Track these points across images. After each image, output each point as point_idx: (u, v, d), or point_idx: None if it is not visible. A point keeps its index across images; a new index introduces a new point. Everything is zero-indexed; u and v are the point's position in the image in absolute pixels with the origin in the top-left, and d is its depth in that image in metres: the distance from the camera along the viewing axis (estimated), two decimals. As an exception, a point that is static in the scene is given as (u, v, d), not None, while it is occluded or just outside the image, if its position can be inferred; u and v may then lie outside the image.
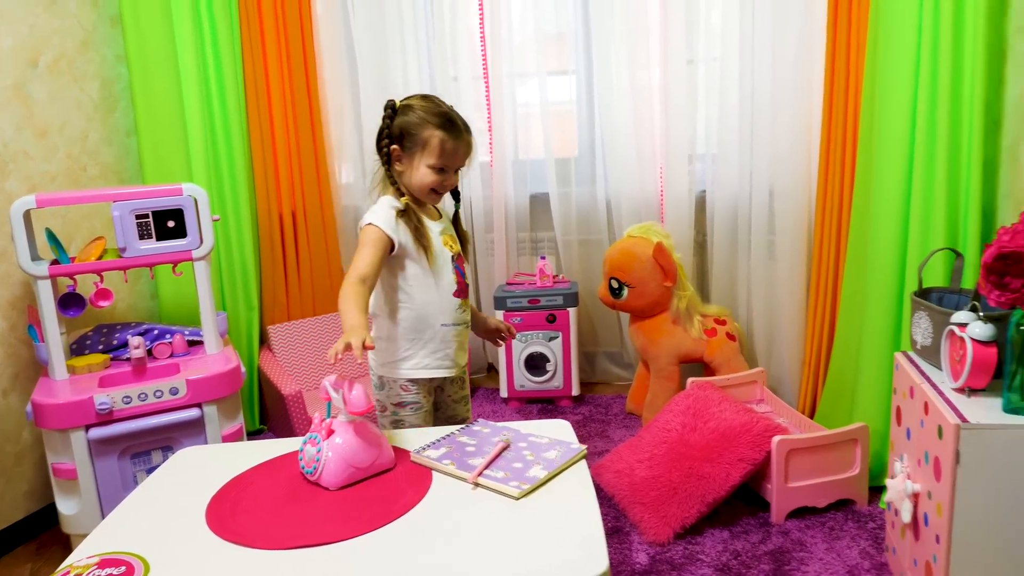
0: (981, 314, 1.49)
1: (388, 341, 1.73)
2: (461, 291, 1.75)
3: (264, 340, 3.04)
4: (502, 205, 3.24)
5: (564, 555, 1.08)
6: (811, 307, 2.60)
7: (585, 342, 3.30)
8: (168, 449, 2.12)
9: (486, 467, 1.34)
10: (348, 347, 1.37)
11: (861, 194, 2.27)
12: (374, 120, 3.12)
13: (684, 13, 2.87)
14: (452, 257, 1.74)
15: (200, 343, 2.38)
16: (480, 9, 3.10)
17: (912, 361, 1.74)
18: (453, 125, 1.66)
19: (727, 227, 2.92)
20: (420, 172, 1.66)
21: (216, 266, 2.79)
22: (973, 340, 1.46)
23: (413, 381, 1.73)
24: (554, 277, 3.10)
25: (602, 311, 3.21)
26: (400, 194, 1.67)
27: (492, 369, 3.43)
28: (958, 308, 1.60)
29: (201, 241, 2.24)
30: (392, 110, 1.68)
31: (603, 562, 1.05)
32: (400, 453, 1.45)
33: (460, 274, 1.76)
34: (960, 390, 1.53)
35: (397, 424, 1.75)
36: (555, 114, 3.21)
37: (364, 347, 1.38)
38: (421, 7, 3.15)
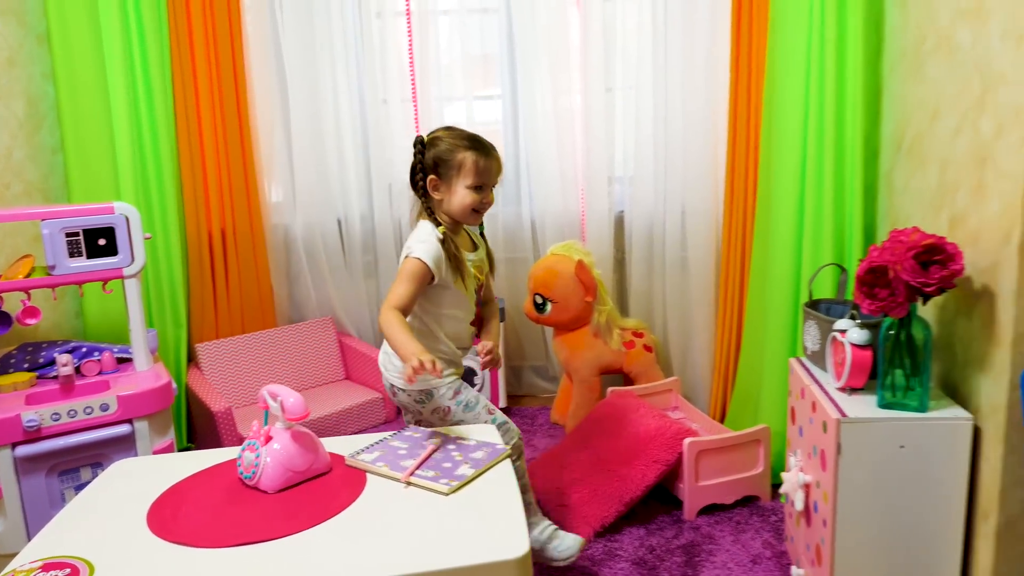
0: (858, 321, 1.68)
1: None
2: (476, 320, 1.91)
3: (192, 358, 3.04)
4: (431, 224, 3.34)
5: (490, 541, 1.19)
6: (720, 320, 2.80)
7: (512, 356, 3.43)
8: (98, 466, 2.12)
9: (417, 467, 1.44)
10: (420, 368, 1.50)
11: (761, 215, 2.48)
12: (305, 139, 3.23)
13: (603, 44, 3.05)
14: (476, 289, 1.87)
15: (129, 360, 2.39)
16: (409, 33, 3.21)
17: (804, 366, 1.93)
18: (481, 145, 1.78)
19: (643, 245, 3.10)
20: (460, 194, 1.76)
21: (143, 284, 2.80)
22: (852, 344, 1.65)
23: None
24: (481, 293, 3.21)
25: (528, 327, 3.34)
26: (437, 224, 1.77)
27: (421, 384, 3.51)
28: (841, 317, 1.79)
29: (132, 259, 2.26)
30: (422, 145, 1.79)
31: (524, 546, 1.16)
32: (335, 458, 1.53)
33: (478, 303, 1.90)
34: (842, 389, 1.71)
35: (468, 406, 1.84)
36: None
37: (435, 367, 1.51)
38: (351, 30, 3.22)
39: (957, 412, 1.58)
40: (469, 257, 1.84)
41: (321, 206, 3.28)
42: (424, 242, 1.74)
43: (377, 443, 1.57)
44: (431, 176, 1.77)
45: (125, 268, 2.26)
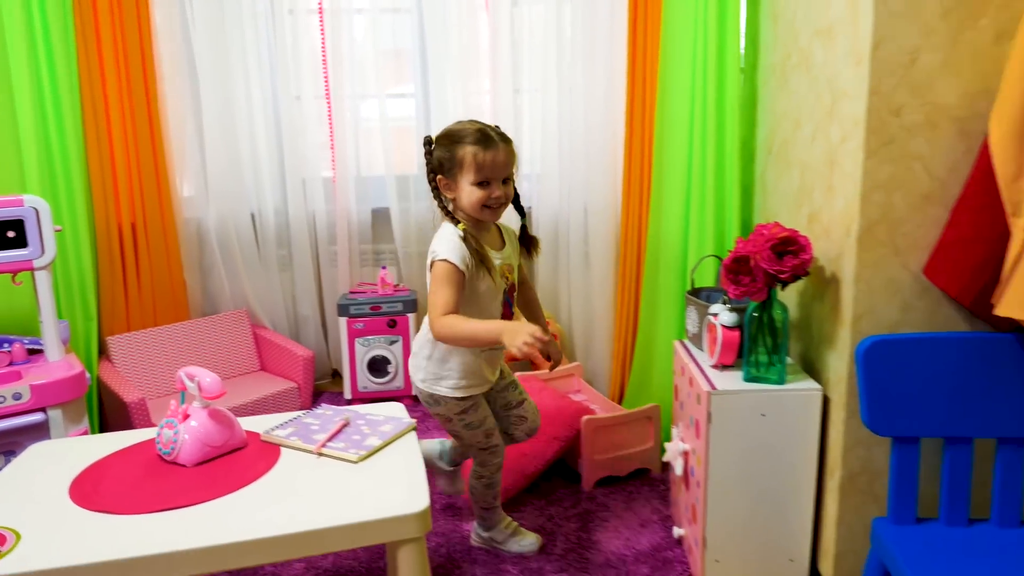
0: (728, 306, 1.90)
1: (428, 360, 1.81)
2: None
3: (103, 351, 3.04)
4: (345, 219, 3.43)
5: (393, 498, 1.33)
6: (618, 309, 3.00)
7: (425, 346, 3.55)
8: (11, 454, 2.14)
9: (329, 440, 1.56)
10: (533, 343, 1.47)
11: (654, 212, 2.69)
12: (216, 134, 3.27)
13: (511, 47, 3.21)
14: (505, 290, 1.80)
15: (39, 352, 2.40)
16: (321, 31, 3.28)
17: (685, 347, 2.13)
18: (484, 137, 1.69)
19: (550, 240, 3.28)
20: (466, 192, 1.69)
21: (52, 277, 2.79)
22: (722, 326, 1.86)
23: (463, 398, 1.84)
24: (395, 286, 3.33)
25: (440, 317, 3.47)
26: (456, 222, 1.71)
27: (337, 375, 3.59)
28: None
29: (43, 251, 2.28)
30: (429, 145, 1.74)
31: (424, 501, 1.31)
32: (251, 435, 1.63)
33: (508, 306, 1.84)
34: (715, 366, 1.92)
35: (469, 426, 1.86)
36: (395, 133, 3.46)
37: (538, 340, 1.48)
38: (263, 25, 3.26)
39: (810, 384, 1.81)
40: (496, 257, 1.76)
41: (234, 200, 3.32)
42: (447, 241, 1.68)
43: (291, 420, 1.68)
44: (439, 176, 1.73)
45: (35, 260, 2.27)
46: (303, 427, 1.64)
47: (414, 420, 1.67)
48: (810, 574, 1.88)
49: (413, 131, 3.47)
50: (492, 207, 1.72)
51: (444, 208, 1.76)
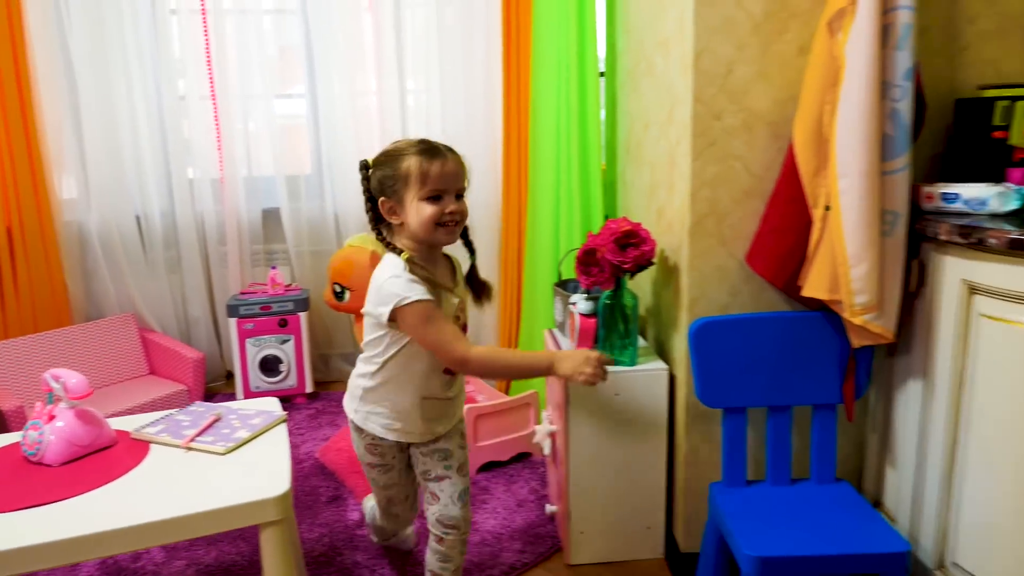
0: (585, 295, 2.04)
1: (366, 390, 1.64)
2: (450, 370, 1.61)
3: (-21, 359, 2.97)
4: (234, 219, 3.44)
5: (255, 485, 1.41)
6: (502, 302, 3.13)
7: (320, 345, 3.60)
8: None
9: (198, 435, 1.62)
10: (595, 371, 1.43)
11: (531, 207, 2.83)
12: (97, 135, 3.23)
13: (395, 48, 3.30)
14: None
15: (-95, 362, 2.34)
16: (205, 31, 3.28)
17: (553, 335, 2.28)
18: (428, 147, 1.50)
19: (438, 236, 3.38)
20: (415, 210, 1.48)
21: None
22: (580, 314, 2.01)
23: (381, 440, 1.65)
24: (286, 286, 3.36)
25: (336, 317, 3.53)
26: (399, 252, 1.50)
27: (232, 376, 3.59)
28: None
29: (-95, 257, 2.23)
30: (366, 169, 1.54)
31: (284, 485, 1.39)
32: (122, 434, 1.67)
33: None
34: (576, 352, 2.07)
35: (373, 481, 1.73)
36: (285, 134, 3.49)
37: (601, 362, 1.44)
38: (144, 25, 3.21)
39: (658, 364, 1.98)
40: (448, 296, 1.57)
41: (118, 202, 3.28)
42: (398, 279, 1.46)
43: (162, 418, 1.73)
44: (382, 199, 1.51)
45: None
46: (174, 424, 1.69)
47: (285, 413, 1.75)
48: (666, 539, 2.05)
49: (303, 131, 3.51)
50: (447, 224, 1.50)
51: (383, 239, 1.54)
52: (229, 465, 1.51)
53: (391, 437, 1.63)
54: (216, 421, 1.69)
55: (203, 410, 1.77)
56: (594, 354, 1.44)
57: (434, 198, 1.48)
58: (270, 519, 1.37)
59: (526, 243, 2.91)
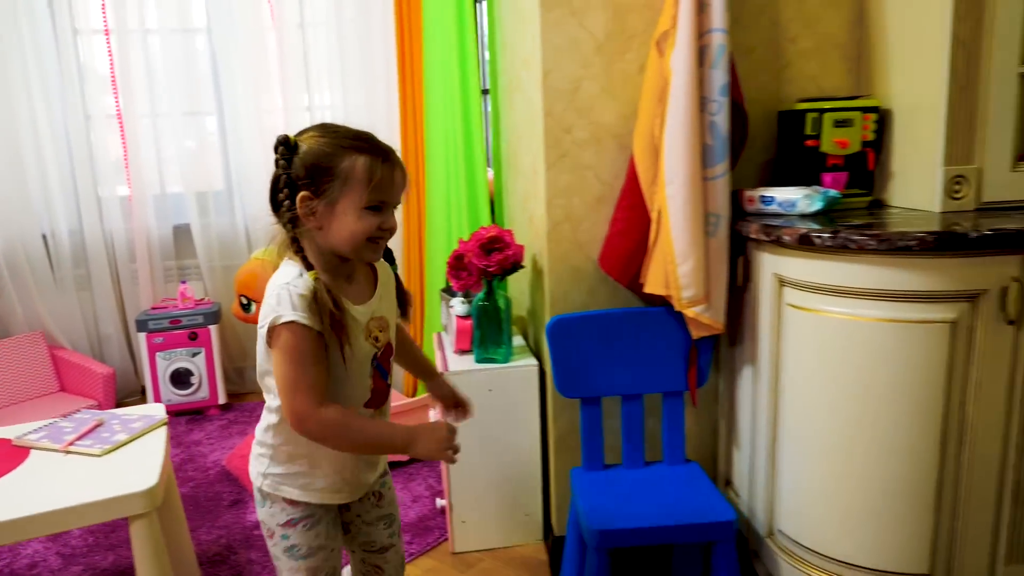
0: (462, 299, 2.18)
1: (272, 448, 1.30)
2: (375, 399, 1.32)
3: None
4: (144, 236, 3.48)
5: (125, 480, 1.50)
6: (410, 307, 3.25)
7: (234, 357, 3.66)
8: None
9: (78, 439, 1.69)
10: (450, 450, 1.21)
11: (429, 217, 2.96)
12: (1, 155, 3.24)
13: (301, 68, 3.41)
14: (373, 355, 1.29)
15: None
16: (108, 51, 3.32)
17: (440, 338, 2.40)
18: (378, 148, 1.21)
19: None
20: (348, 219, 1.18)
21: None
22: (457, 316, 2.14)
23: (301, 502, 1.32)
24: (197, 300, 3.42)
25: (248, 329, 3.59)
26: (309, 266, 1.19)
27: (145, 391, 3.62)
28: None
29: None
30: (286, 147, 1.20)
31: (152, 480, 1.48)
32: (3, 442, 1.74)
33: (380, 376, 1.32)
34: (457, 352, 2.20)
35: (291, 551, 1.32)
36: (193, 151, 3.55)
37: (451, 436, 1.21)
38: (46, 45, 3.25)
39: (530, 361, 2.12)
40: (360, 312, 1.26)
41: (23, 221, 3.31)
42: (291, 294, 1.16)
43: (46, 425, 1.80)
44: (303, 193, 1.17)
45: None
46: (56, 430, 1.76)
47: (165, 416, 1.83)
48: (543, 525, 2.19)
49: (212, 148, 3.58)
50: (380, 241, 1.24)
51: (295, 241, 1.20)
52: (104, 465, 1.59)
53: (315, 500, 1.31)
54: (98, 426, 1.77)
55: (87, 417, 1.84)
56: (442, 431, 1.21)
57: (374, 208, 1.19)
58: (138, 512, 1.46)
59: (426, 252, 3.03)
